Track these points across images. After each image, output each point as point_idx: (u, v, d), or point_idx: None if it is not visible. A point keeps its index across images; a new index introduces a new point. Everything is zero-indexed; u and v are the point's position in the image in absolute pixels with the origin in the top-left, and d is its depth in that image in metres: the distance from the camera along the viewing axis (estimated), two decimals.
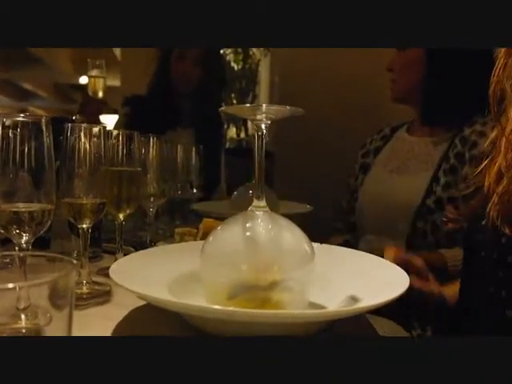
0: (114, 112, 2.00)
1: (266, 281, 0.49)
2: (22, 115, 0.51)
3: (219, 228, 0.54)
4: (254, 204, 0.53)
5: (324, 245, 0.63)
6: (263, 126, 0.52)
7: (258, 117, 0.52)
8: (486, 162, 0.58)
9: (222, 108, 0.52)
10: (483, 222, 0.57)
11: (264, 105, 0.50)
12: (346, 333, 0.49)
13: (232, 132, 2.35)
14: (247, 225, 0.52)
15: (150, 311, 0.54)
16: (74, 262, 0.37)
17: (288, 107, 0.50)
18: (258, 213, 0.52)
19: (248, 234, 0.51)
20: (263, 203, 0.53)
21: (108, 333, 0.48)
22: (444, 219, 0.66)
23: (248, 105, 0.53)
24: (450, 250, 1.00)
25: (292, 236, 0.52)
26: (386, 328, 0.90)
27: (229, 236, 0.52)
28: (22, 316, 0.40)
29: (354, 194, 1.30)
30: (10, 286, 0.33)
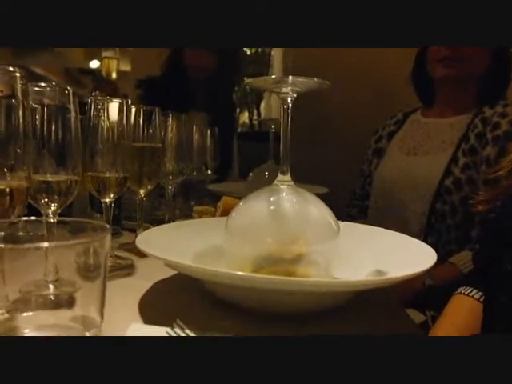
0: (125, 97, 2.00)
1: (291, 254, 0.49)
2: (48, 85, 0.51)
3: (243, 202, 0.54)
4: (278, 178, 0.53)
5: (346, 222, 0.62)
6: (289, 100, 0.52)
7: (284, 89, 0.51)
8: None
9: (248, 80, 0.51)
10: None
11: (290, 76, 0.49)
12: (386, 329, 0.48)
13: (244, 116, 2.34)
14: (272, 198, 0.52)
15: (174, 283, 0.55)
16: (107, 226, 0.37)
17: (316, 79, 0.49)
18: (282, 186, 0.52)
19: (273, 207, 0.51)
20: (288, 177, 0.53)
21: (135, 302, 0.49)
22: (472, 201, 0.65)
23: (274, 76, 0.52)
24: (459, 255, 1.00)
25: (317, 210, 0.52)
26: None
27: (253, 209, 0.52)
28: (50, 285, 0.40)
29: (367, 179, 1.29)
30: (45, 245, 0.33)
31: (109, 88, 1.59)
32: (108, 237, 0.35)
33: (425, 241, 1.04)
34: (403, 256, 0.51)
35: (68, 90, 0.52)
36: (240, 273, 0.42)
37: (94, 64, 3.90)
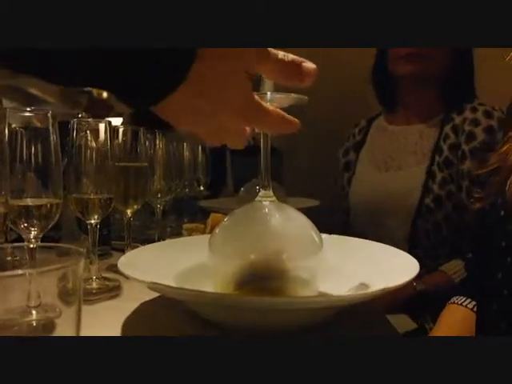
0: (119, 116, 2.00)
1: (275, 270, 0.49)
2: (28, 109, 0.51)
3: (226, 219, 0.54)
4: (260, 194, 0.52)
5: (333, 235, 0.62)
6: None
7: None
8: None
9: None
10: (499, 200, 0.57)
11: (269, 93, 0.49)
12: (364, 332, 0.48)
13: None
14: (254, 215, 0.51)
15: (160, 304, 0.54)
16: (81, 250, 0.36)
17: (293, 95, 0.49)
18: (265, 203, 0.52)
19: (255, 223, 0.51)
20: (270, 193, 0.52)
21: (118, 325, 0.48)
22: (471, 200, 0.64)
23: (254, 93, 0.52)
24: (449, 264, 0.99)
25: (300, 225, 0.51)
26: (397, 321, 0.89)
27: (236, 226, 0.52)
28: (33, 311, 0.39)
29: (341, 194, 1.25)
30: (20, 272, 0.33)
31: (102, 107, 1.59)
32: (81, 262, 0.35)
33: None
34: (387, 267, 0.51)
35: (48, 113, 0.53)
36: (213, 292, 0.41)
37: None
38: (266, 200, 0.52)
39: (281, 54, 0.42)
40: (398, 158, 1.10)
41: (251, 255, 0.49)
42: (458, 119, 1.03)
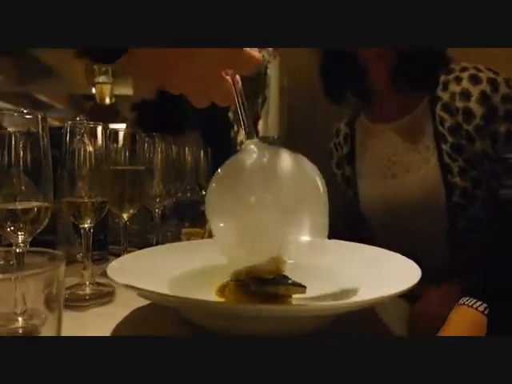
0: (124, 121, 2.00)
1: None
2: (17, 111, 0.50)
3: (220, 170, 0.48)
4: (246, 142, 0.48)
5: (333, 240, 0.60)
6: None
7: None
8: None
9: None
10: None
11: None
12: (357, 331, 0.46)
13: (242, 135, 2.34)
14: (248, 160, 0.46)
15: (152, 311, 0.53)
16: (59, 253, 0.35)
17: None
18: (252, 146, 0.47)
19: (251, 169, 0.46)
20: (255, 141, 0.48)
21: (109, 332, 0.47)
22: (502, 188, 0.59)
23: None
24: None
25: (299, 165, 0.46)
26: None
27: (231, 176, 0.47)
28: (19, 318, 0.38)
29: (351, 209, 1.10)
30: (1, 276, 0.32)
31: (106, 113, 1.59)
32: (62, 267, 0.34)
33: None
34: (387, 273, 0.49)
35: (38, 116, 0.51)
36: (201, 299, 0.40)
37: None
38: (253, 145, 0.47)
39: None
40: (400, 160, 0.95)
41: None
42: (445, 96, 0.88)
